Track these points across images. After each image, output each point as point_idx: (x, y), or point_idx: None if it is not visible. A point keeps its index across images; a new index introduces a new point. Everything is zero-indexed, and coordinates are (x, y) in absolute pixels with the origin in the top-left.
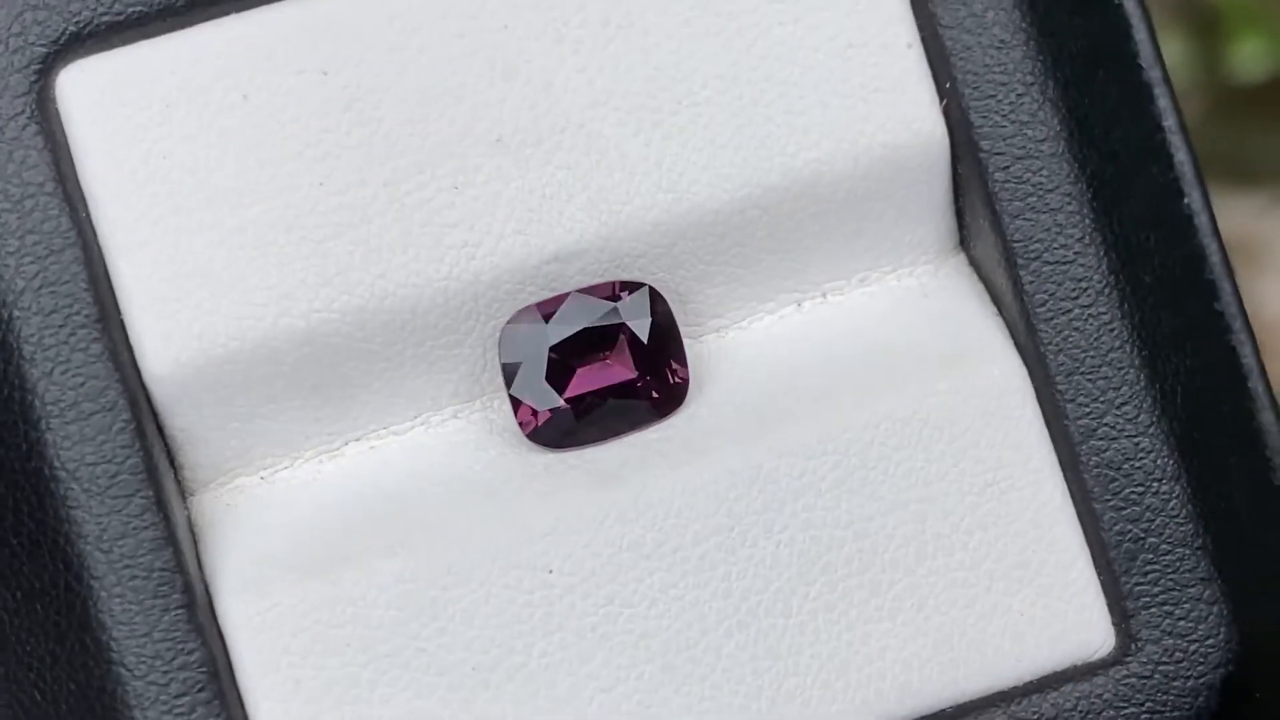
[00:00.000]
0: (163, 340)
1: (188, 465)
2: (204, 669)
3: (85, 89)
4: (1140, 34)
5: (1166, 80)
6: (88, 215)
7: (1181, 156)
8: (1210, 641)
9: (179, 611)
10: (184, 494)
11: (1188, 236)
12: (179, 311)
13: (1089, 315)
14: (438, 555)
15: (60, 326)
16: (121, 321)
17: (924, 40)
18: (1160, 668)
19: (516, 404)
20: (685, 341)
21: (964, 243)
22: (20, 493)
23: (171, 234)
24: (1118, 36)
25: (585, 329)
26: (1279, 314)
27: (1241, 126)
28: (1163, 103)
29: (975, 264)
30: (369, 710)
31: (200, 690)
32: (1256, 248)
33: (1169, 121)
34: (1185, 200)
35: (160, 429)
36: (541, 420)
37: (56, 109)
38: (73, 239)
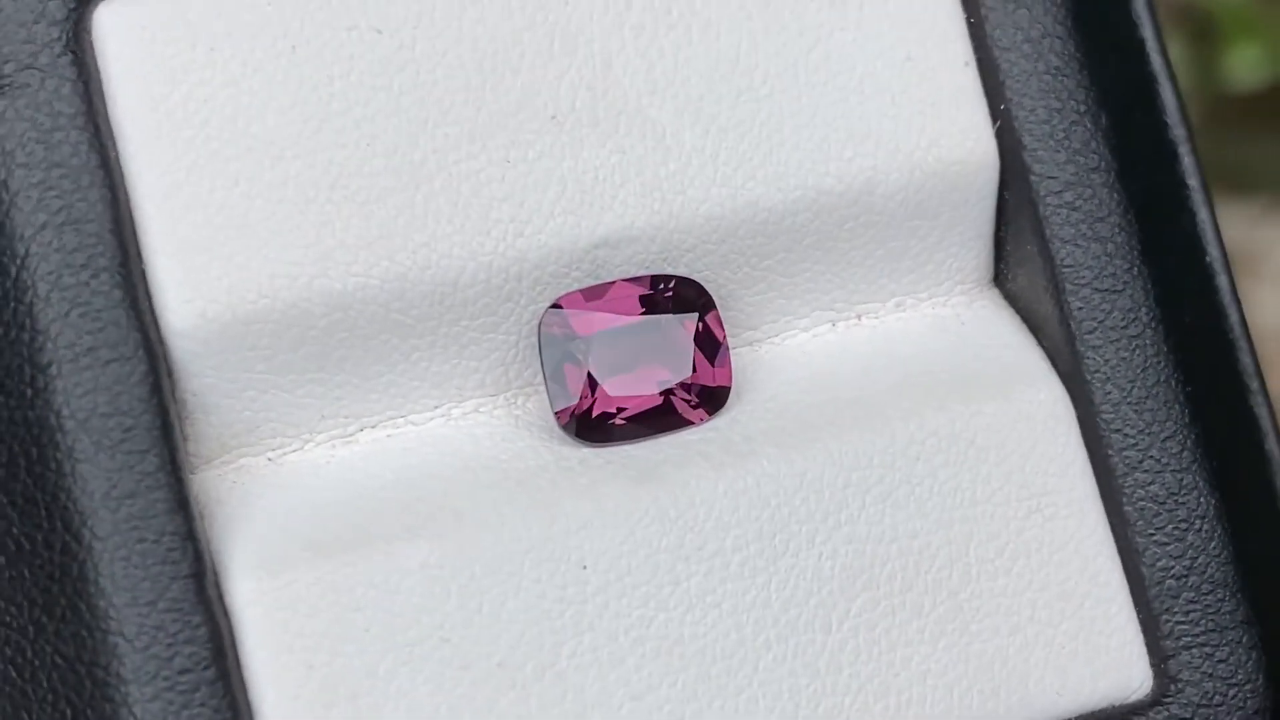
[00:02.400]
0: (189, 292)
1: (193, 437)
2: (209, 645)
3: (125, 24)
4: (1166, 91)
5: (1191, 138)
6: (117, 155)
7: (1204, 215)
8: (1249, 686)
9: (188, 581)
10: (188, 469)
11: (1210, 294)
12: (208, 264)
13: (1136, 346)
14: (467, 542)
15: (81, 267)
16: (144, 270)
17: (979, 62)
18: (1200, 711)
19: (554, 393)
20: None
21: (999, 278)
22: (18, 444)
23: (206, 182)
24: (1149, 84)
25: (632, 321)
26: (1273, 322)
27: (1237, 134)
28: (1186, 162)
29: (1012, 298)
30: (384, 701)
31: (205, 668)
32: (1251, 256)
33: (1192, 181)
34: (1208, 259)
35: (173, 392)
36: (578, 412)
37: (93, 42)
38: (101, 178)
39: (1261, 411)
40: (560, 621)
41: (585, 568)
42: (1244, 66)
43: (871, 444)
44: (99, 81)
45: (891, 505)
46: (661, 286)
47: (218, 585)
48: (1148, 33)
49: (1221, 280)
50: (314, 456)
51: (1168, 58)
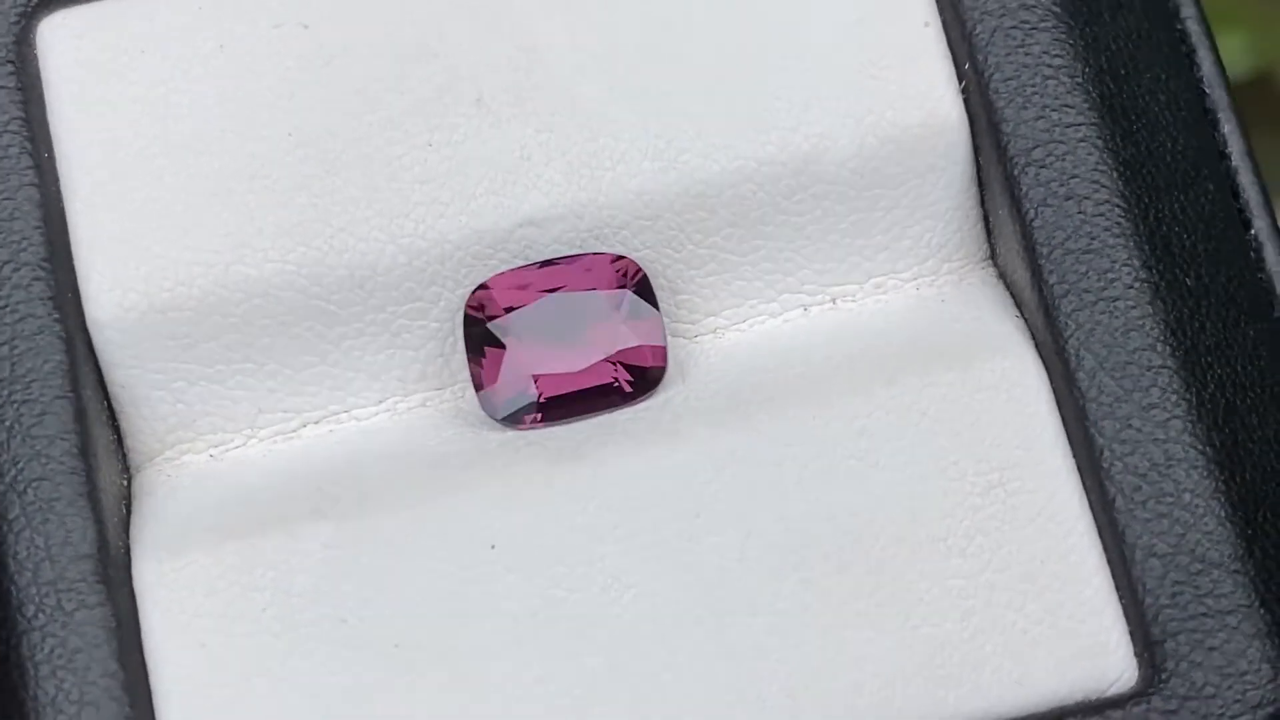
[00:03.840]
0: (109, 282)
1: (131, 433)
2: (106, 625)
3: (64, 33)
4: (1205, 58)
5: (1233, 105)
6: (50, 157)
7: (1247, 179)
8: (1249, 678)
9: (87, 561)
10: (130, 469)
11: (1242, 259)
12: (128, 255)
13: (1115, 309)
14: (370, 523)
15: (5, 263)
16: (72, 267)
17: (945, 22)
18: (1188, 704)
19: (477, 377)
20: (674, 341)
21: (993, 255)
22: None
23: (131, 179)
24: (1176, 53)
25: (558, 301)
26: None
27: None
28: (1227, 127)
29: (1004, 275)
30: (280, 682)
31: (98, 646)
32: None
33: (1235, 151)
34: (1247, 217)
35: (103, 385)
36: (502, 397)
37: (35, 53)
38: (30, 178)
39: None
40: (464, 603)
41: (493, 548)
42: (1229, 56)
43: (810, 419)
44: (39, 92)
45: (829, 482)
46: (589, 265)
47: (127, 570)
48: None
49: (1264, 228)
50: (255, 453)
51: (1207, 25)
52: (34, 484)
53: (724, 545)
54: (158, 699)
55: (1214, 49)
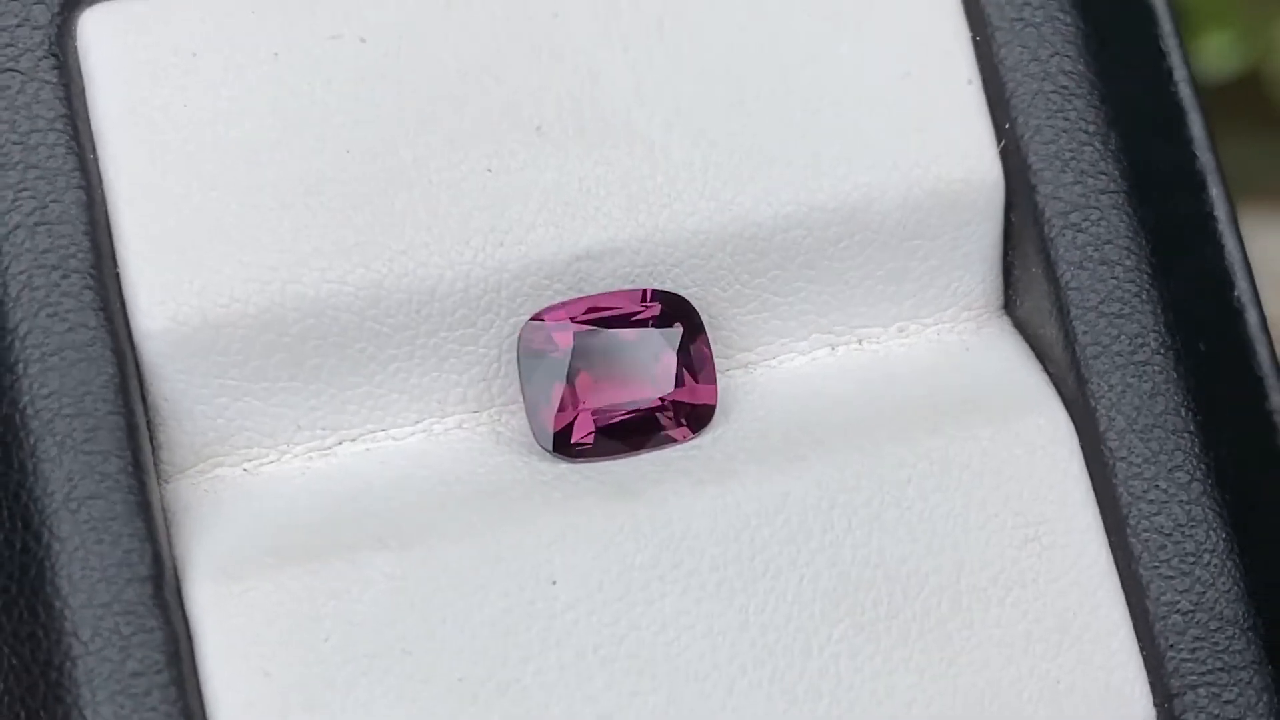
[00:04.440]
0: (160, 294)
1: (167, 445)
2: (164, 649)
3: (108, 28)
4: (1194, 119)
5: (1219, 165)
6: (95, 157)
7: (1231, 245)
8: None
9: (145, 584)
10: (161, 479)
11: (1235, 323)
12: (181, 266)
13: (1144, 373)
14: (433, 553)
15: (53, 268)
16: (118, 273)
17: (985, 80)
18: None
19: (532, 407)
20: (715, 362)
21: (1009, 305)
22: None
23: (182, 185)
24: (1171, 116)
25: (614, 336)
26: None
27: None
28: (1214, 191)
29: (1020, 325)
30: (342, 712)
31: (158, 672)
32: None
33: (1220, 211)
34: (1235, 293)
35: (144, 397)
36: (558, 426)
37: (76, 47)
38: (77, 180)
39: None
40: (526, 637)
41: (555, 583)
42: (1215, 55)
43: (859, 465)
44: (81, 85)
45: (878, 529)
46: (646, 301)
47: (178, 590)
48: (1175, 60)
49: (1251, 315)
50: (290, 469)
51: (1196, 85)
52: (87, 502)
53: (779, 588)
54: None
55: (1203, 111)
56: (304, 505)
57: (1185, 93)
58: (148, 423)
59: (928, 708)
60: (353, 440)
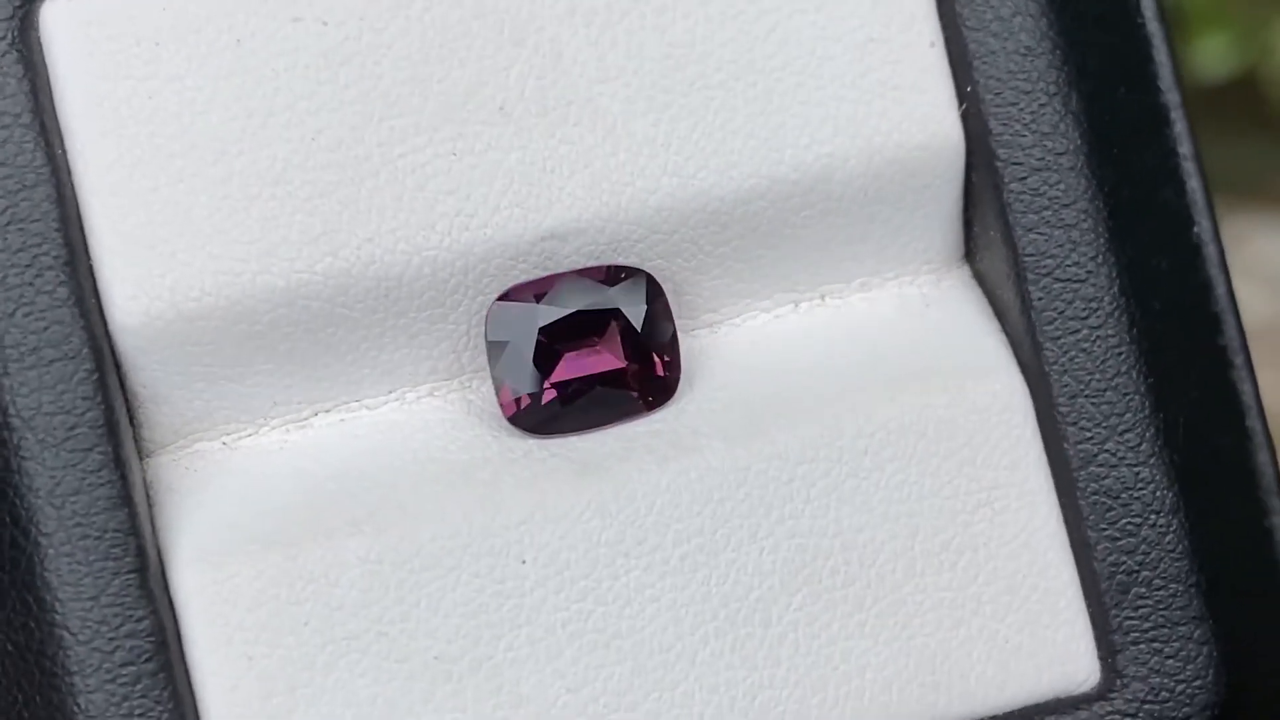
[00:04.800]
0: (133, 289)
1: (147, 424)
2: (151, 638)
3: (70, 20)
4: (1161, 55)
5: (1184, 104)
6: (64, 152)
7: (1194, 184)
8: (1198, 682)
9: (130, 576)
10: (141, 455)
11: (1196, 266)
12: (152, 260)
13: (1097, 337)
14: (406, 536)
15: (26, 266)
16: (91, 267)
17: (947, 41)
18: (1145, 706)
19: (500, 385)
20: (679, 334)
21: (970, 255)
22: None
23: (150, 178)
24: (1138, 54)
25: (577, 312)
26: (1248, 318)
27: (1204, 129)
28: (1179, 127)
29: (980, 277)
30: (323, 693)
31: (146, 660)
32: None
33: (1184, 148)
34: (1195, 229)
35: (122, 384)
36: (524, 404)
37: (39, 39)
38: (46, 175)
39: (1245, 388)
40: (498, 615)
41: (524, 562)
42: (1210, 57)
43: (819, 437)
44: (46, 79)
45: (837, 499)
46: (609, 277)
47: (163, 577)
48: (1144, 5)
49: (1210, 250)
50: (268, 441)
51: (1166, 22)
52: (70, 498)
53: (740, 561)
54: (204, 709)
55: (1173, 56)
56: (281, 485)
57: (1153, 30)
58: (127, 405)
59: (881, 670)
60: (328, 411)
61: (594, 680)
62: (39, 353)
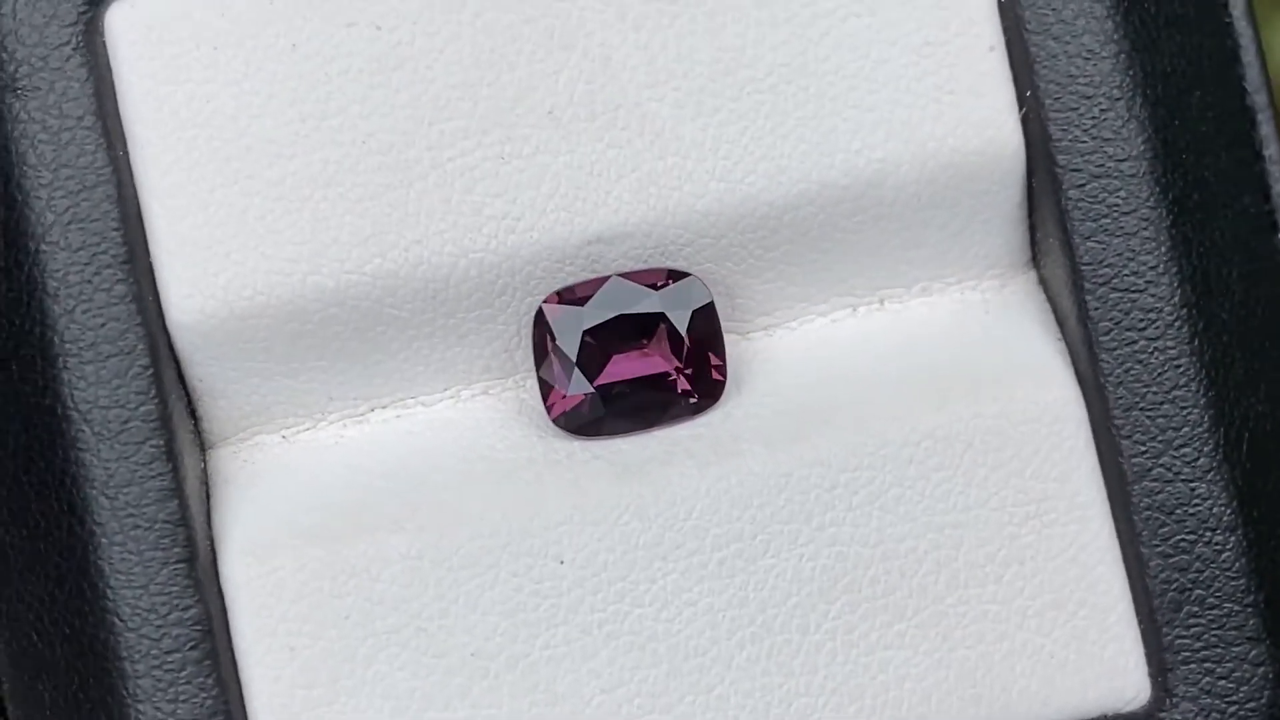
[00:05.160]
0: (189, 288)
1: (207, 417)
2: (199, 626)
3: (134, 25)
4: (1249, 56)
5: (1271, 106)
6: (125, 154)
7: (1279, 189)
8: (1251, 705)
9: (179, 566)
10: (204, 446)
11: (1274, 274)
12: (208, 260)
13: (1155, 348)
14: (447, 534)
15: (86, 264)
16: (150, 266)
17: (1008, 45)
18: None
19: (545, 386)
20: (727, 338)
21: (1036, 260)
22: (34, 430)
23: (207, 180)
24: (1222, 57)
25: (623, 315)
26: None
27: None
28: (1265, 130)
29: (1045, 283)
30: (363, 685)
31: (192, 648)
32: None
33: (1270, 150)
34: (1278, 237)
35: (181, 378)
36: (569, 405)
37: (104, 43)
38: (107, 176)
39: None
40: (535, 614)
41: (562, 562)
42: (1278, 48)
43: (862, 445)
44: (109, 82)
45: (879, 508)
46: (656, 281)
47: (214, 566)
48: (1232, 6)
49: None
50: (326, 435)
51: (1254, 21)
52: (123, 489)
53: (779, 567)
54: (248, 697)
55: (1261, 58)
56: (334, 481)
57: (1241, 29)
58: (187, 400)
59: (920, 681)
60: (384, 407)
61: (629, 681)
62: (97, 348)
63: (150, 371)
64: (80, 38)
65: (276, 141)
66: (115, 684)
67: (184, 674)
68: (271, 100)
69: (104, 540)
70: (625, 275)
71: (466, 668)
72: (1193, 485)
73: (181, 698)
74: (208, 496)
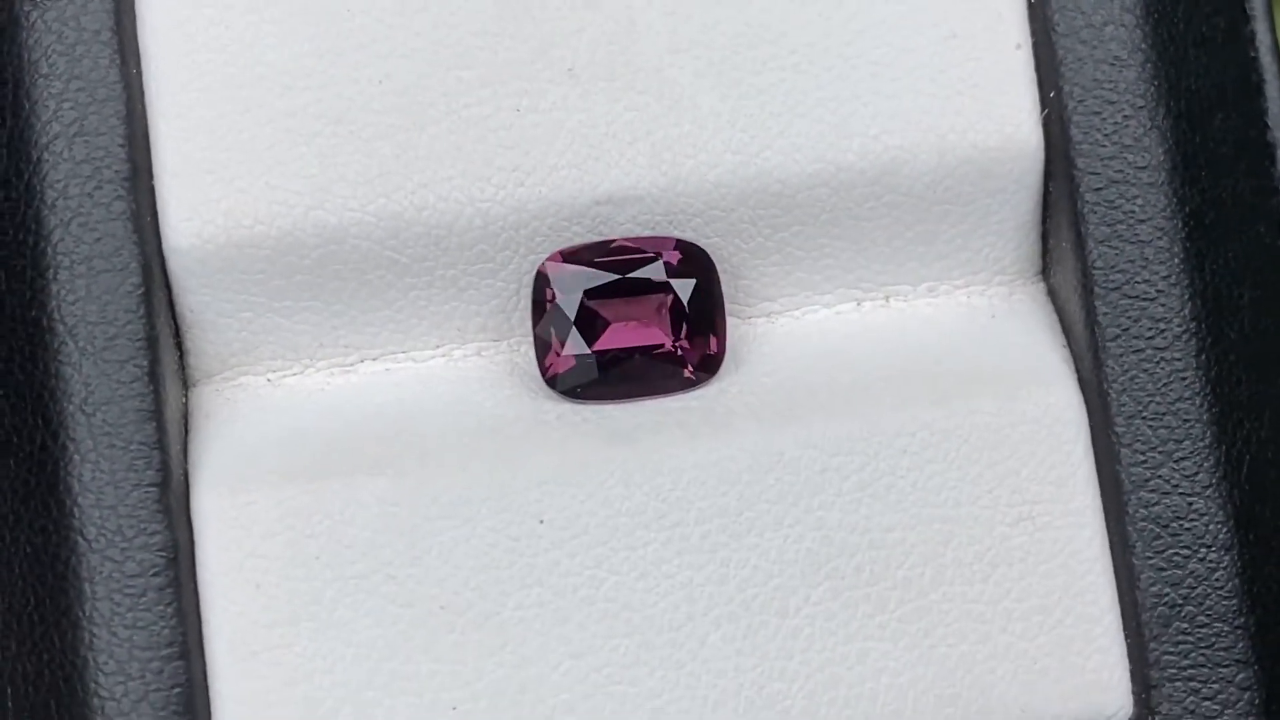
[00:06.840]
0: (189, 211)
1: (194, 352)
2: (164, 554)
3: None
4: (1272, 89)
5: None
6: (138, 72)
7: None
8: None
9: (150, 489)
10: (187, 383)
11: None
12: (211, 184)
13: (1162, 358)
14: (426, 483)
15: (87, 178)
16: (151, 187)
17: (1035, 45)
18: None
19: (541, 346)
20: (729, 317)
21: (1045, 272)
22: (15, 340)
23: (218, 105)
24: (1246, 85)
25: (625, 280)
26: None
27: None
28: None
29: (1053, 293)
30: (326, 628)
31: (155, 574)
32: None
33: None
34: None
35: (172, 307)
36: (564, 367)
37: None
38: (118, 92)
39: None
40: (509, 572)
41: (542, 522)
42: None
43: (857, 431)
44: (130, 1)
45: (869, 496)
46: (663, 249)
47: (186, 496)
48: (1259, 26)
49: None
50: (311, 382)
51: (1278, 57)
52: (102, 407)
53: (762, 546)
54: (208, 630)
55: None
56: (315, 425)
57: (1266, 64)
58: (176, 331)
59: (898, 676)
60: (374, 359)
61: (599, 649)
62: (89, 263)
63: (141, 291)
64: None
65: (291, 73)
66: (73, 605)
67: (144, 600)
68: (290, 31)
69: (76, 457)
70: (632, 240)
71: (433, 620)
72: (1190, 500)
73: (139, 624)
74: (186, 430)
